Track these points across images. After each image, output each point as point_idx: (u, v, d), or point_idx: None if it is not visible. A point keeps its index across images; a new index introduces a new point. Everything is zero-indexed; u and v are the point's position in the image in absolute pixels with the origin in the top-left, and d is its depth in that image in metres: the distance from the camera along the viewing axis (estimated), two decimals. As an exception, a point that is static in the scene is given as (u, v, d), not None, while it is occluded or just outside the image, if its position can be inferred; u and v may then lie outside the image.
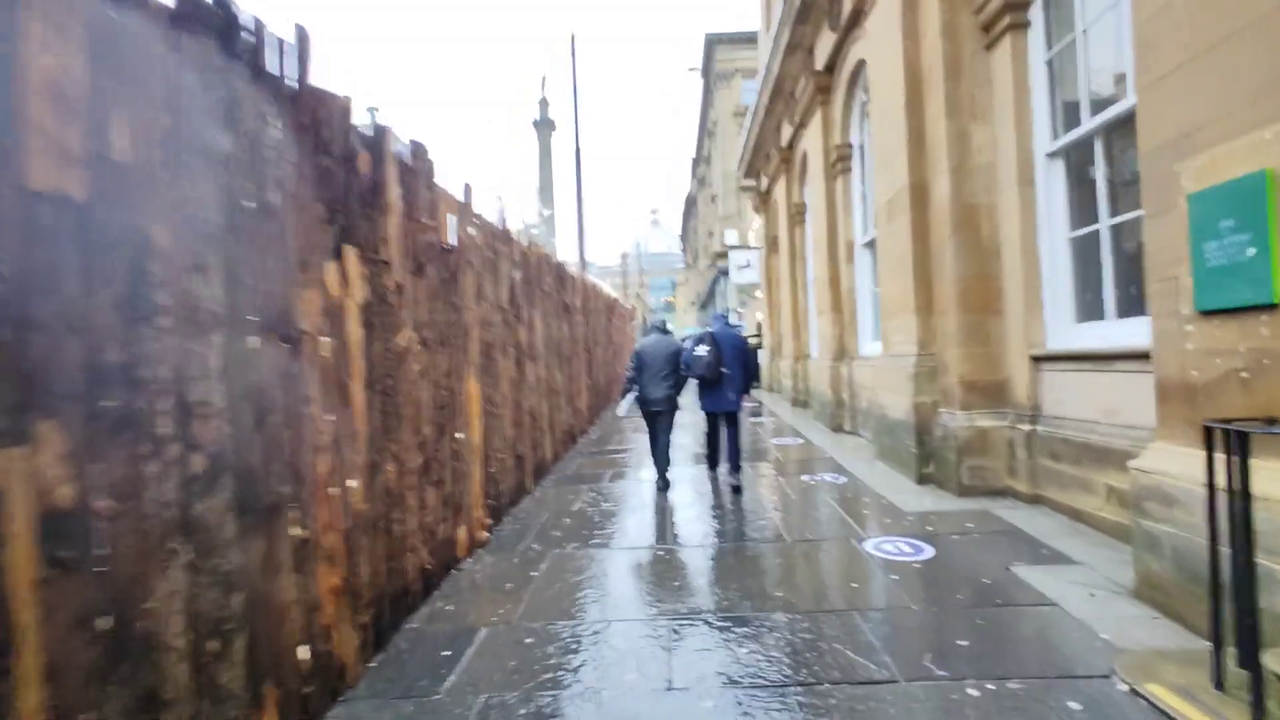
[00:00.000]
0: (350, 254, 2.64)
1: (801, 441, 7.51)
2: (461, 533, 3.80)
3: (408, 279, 3.21)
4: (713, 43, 31.73)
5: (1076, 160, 4.34)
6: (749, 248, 15.45)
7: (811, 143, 8.88)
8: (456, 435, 3.83)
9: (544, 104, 78.17)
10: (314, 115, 2.44)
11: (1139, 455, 2.89)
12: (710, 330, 5.85)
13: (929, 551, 3.54)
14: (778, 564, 3.49)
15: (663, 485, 5.52)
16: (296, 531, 2.19)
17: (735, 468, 5.58)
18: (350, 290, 2.64)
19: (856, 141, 7.80)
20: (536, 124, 78.56)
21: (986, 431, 4.63)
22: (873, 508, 4.52)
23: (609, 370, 13.14)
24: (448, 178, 4.16)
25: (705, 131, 39.67)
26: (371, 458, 2.74)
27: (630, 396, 5.80)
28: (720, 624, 2.77)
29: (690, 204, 57.45)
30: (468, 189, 4.16)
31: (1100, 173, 3.93)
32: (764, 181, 13.73)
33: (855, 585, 3.14)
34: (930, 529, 3.94)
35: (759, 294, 32.22)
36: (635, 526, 4.35)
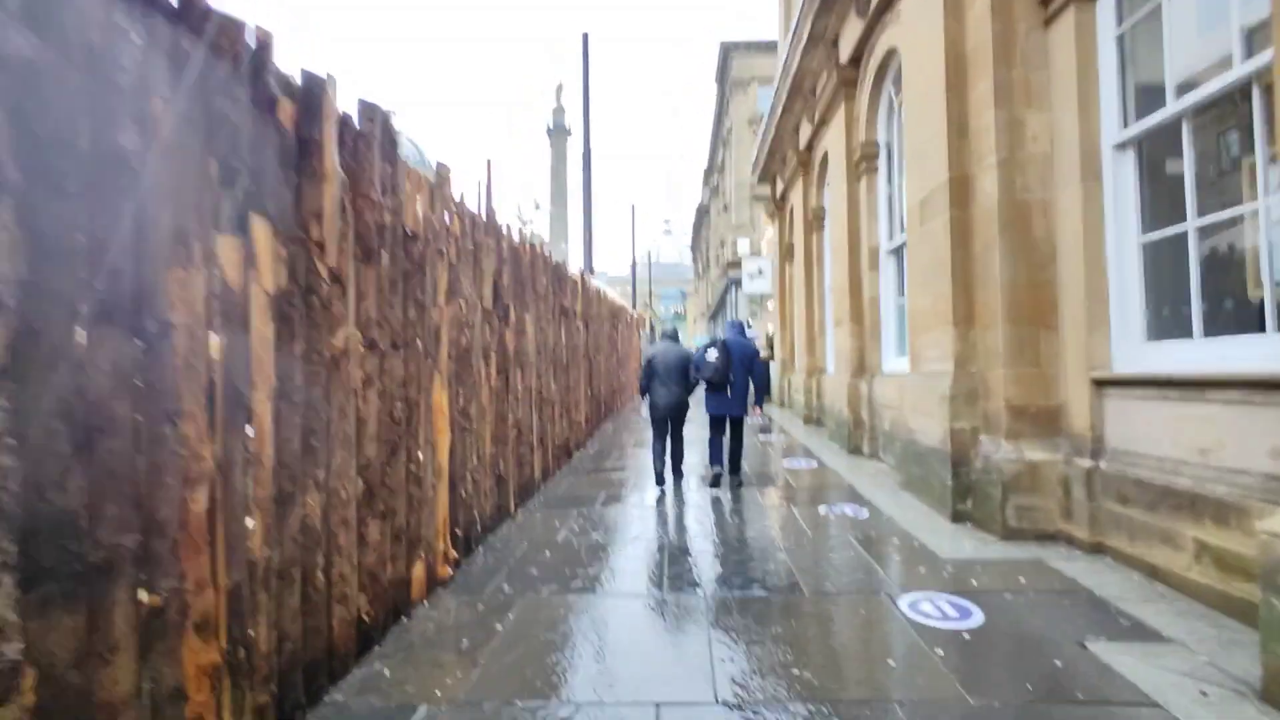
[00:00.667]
0: (260, 228, 2.07)
1: (815, 465, 6.86)
2: (418, 570, 3.20)
3: (350, 266, 2.63)
4: (729, 50, 31.31)
5: (1151, 151, 3.72)
6: (761, 256, 14.84)
7: (833, 142, 8.29)
8: (418, 455, 3.24)
9: (559, 111, 78.16)
10: (212, 43, 1.87)
11: (1269, 514, 2.25)
12: (723, 338, 6.16)
13: (977, 616, 2.90)
14: (794, 628, 2.86)
15: (661, 483, 5.92)
16: (144, 597, 1.60)
17: (735, 469, 6.13)
18: (258, 275, 2.06)
19: (883, 140, 7.21)
20: (550, 131, 78.54)
21: (1037, 466, 3.98)
22: (903, 551, 3.88)
23: (612, 380, 12.55)
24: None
25: (719, 140, 39.22)
26: (281, 488, 2.15)
27: (646, 399, 6.19)
28: (726, 718, 2.15)
29: (702, 214, 56.98)
30: (442, 168, 3.60)
31: (1187, 164, 3.31)
32: (779, 186, 13.15)
33: (892, 663, 2.51)
34: (975, 583, 3.30)
35: (771, 305, 31.57)
36: (626, 565, 3.73)
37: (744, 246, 30.23)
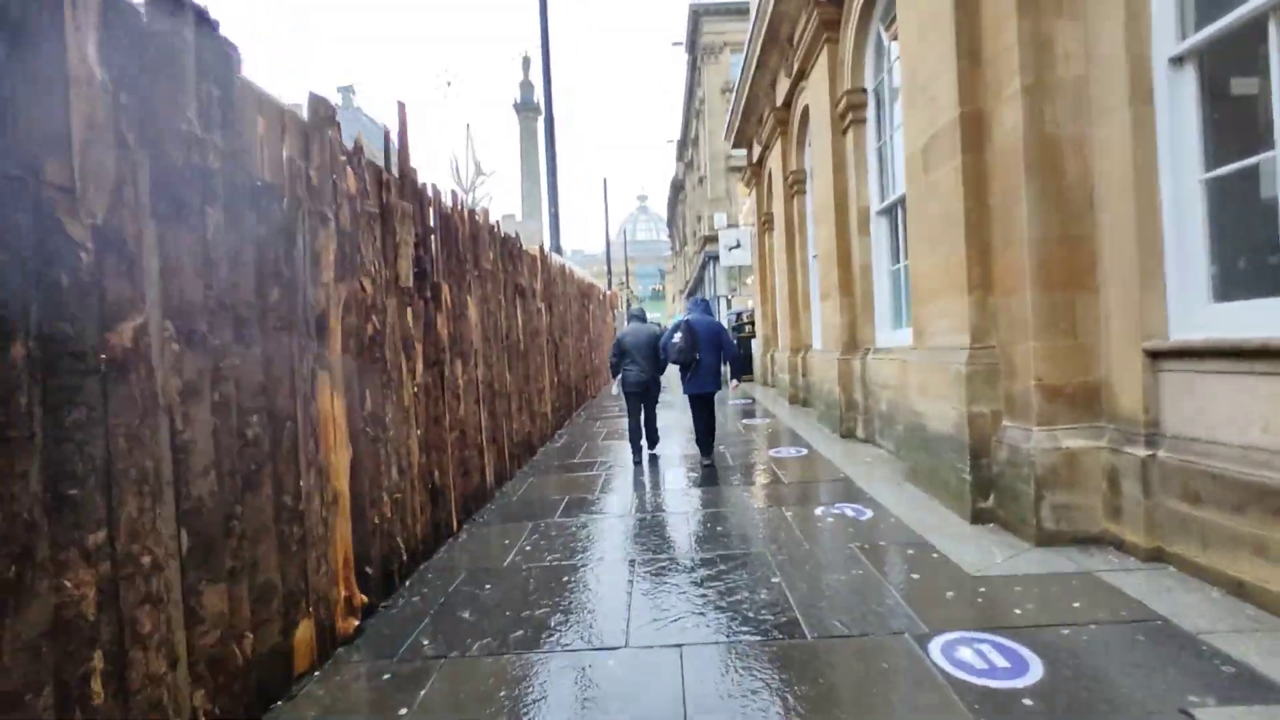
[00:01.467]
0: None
1: (804, 452, 6.18)
2: (303, 633, 2.43)
3: (147, 227, 1.81)
4: (699, 14, 30.13)
5: (1216, 65, 3.00)
6: (739, 227, 14.05)
7: (815, 95, 7.49)
8: (296, 483, 2.45)
9: (527, 86, 75.88)
10: None
11: None
12: (687, 319, 6.07)
13: (1035, 667, 2.22)
14: (799, 693, 2.15)
15: (638, 460, 6.23)
16: None
17: (708, 448, 6.01)
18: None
19: (871, 86, 6.43)
20: (518, 107, 76.36)
21: (1076, 456, 3.31)
22: (920, 565, 3.20)
23: (584, 365, 11.76)
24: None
25: (692, 111, 38.08)
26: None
27: (617, 380, 6.37)
28: None
29: (677, 188, 55.84)
30: (317, 99, 2.75)
31: (1275, 74, 2.59)
32: (755, 151, 12.33)
33: (938, 757, 1.81)
34: (1019, 613, 2.62)
35: (750, 280, 30.88)
36: (585, 603, 3.00)
37: (720, 220, 29.41)
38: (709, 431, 5.98)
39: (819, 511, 4.23)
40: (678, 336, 5.86)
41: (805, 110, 8.43)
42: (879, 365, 6.04)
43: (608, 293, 17.24)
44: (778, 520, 4.09)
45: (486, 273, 5.44)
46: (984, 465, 3.74)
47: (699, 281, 37.56)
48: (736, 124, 12.56)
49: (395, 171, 3.58)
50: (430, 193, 4.12)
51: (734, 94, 12.35)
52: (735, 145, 13.44)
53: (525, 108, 75.82)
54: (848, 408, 6.72)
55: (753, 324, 14.61)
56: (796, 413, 8.89)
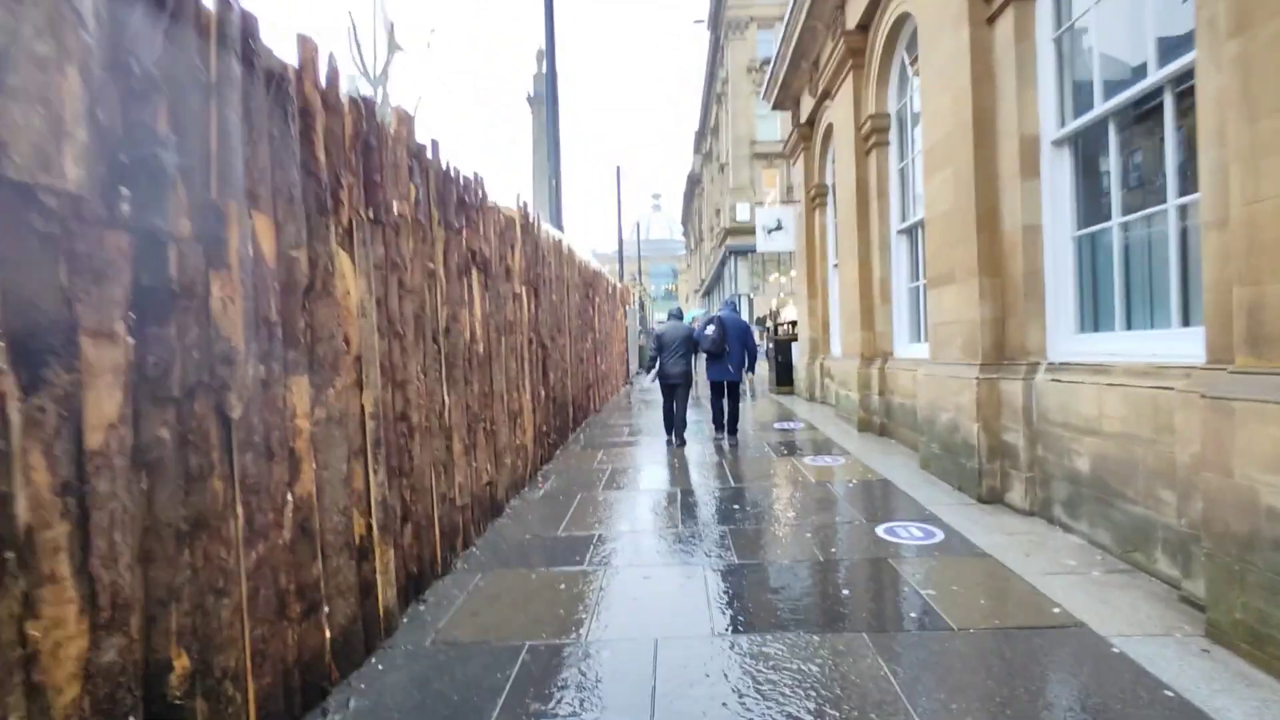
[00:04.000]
0: None
1: (938, 538, 3.71)
2: None
3: None
4: (724, -16, 27.63)
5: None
6: (778, 206, 11.59)
7: (926, -15, 5.04)
8: None
9: (540, 78, 73.69)
10: None
11: None
12: (719, 314, 7.14)
13: None
14: None
15: (679, 443, 6.87)
16: None
17: (732, 430, 7.22)
18: None
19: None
20: (531, 99, 74.20)
21: None
22: None
23: (586, 372, 9.34)
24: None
25: (712, 96, 35.63)
26: None
27: (653, 371, 7.23)
28: None
29: (693, 183, 53.39)
30: None
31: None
32: (805, 108, 9.87)
33: None
34: None
35: (776, 277, 28.25)
36: None
37: (744, 211, 26.95)
38: (734, 414, 7.19)
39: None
40: (710, 329, 6.87)
41: (898, 21, 5.98)
42: (1068, 395, 3.56)
43: (618, 285, 14.83)
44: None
45: (398, 222, 3.06)
46: None
47: (717, 279, 35.05)
48: (781, 76, 10.09)
49: None
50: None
51: (779, 40, 9.90)
52: (776, 105, 10.98)
53: (539, 100, 73.67)
54: (990, 455, 4.25)
55: (773, 325, 12.13)
56: (873, 446, 6.43)
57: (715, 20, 29.82)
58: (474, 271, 4.24)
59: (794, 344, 11.38)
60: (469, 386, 4.01)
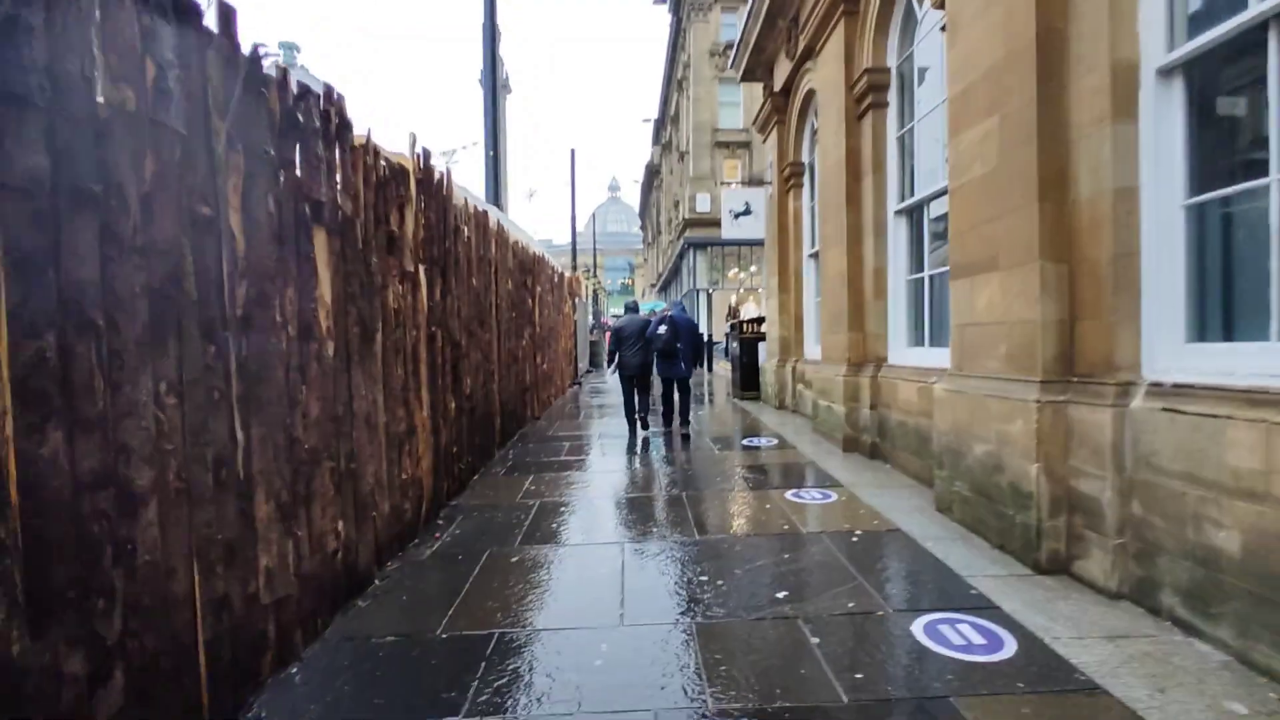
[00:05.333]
0: None
1: (1011, 649, 2.49)
2: None
3: None
4: (687, -38, 26.36)
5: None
6: (746, 188, 10.33)
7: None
8: None
9: (497, 61, 70.78)
10: None
11: None
12: (670, 314, 7.26)
13: None
14: None
15: (637, 429, 7.40)
16: None
17: (685, 420, 7.56)
18: None
19: None
20: (483, 82, 71.35)
21: None
22: None
23: (522, 372, 7.92)
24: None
25: (673, 83, 34.35)
26: None
27: (613, 364, 7.44)
28: None
29: (651, 174, 52.06)
30: None
31: None
32: (780, 74, 8.64)
33: None
34: None
35: (736, 272, 27.20)
36: None
37: (704, 202, 25.81)
38: (685, 406, 7.57)
39: None
40: (663, 329, 7.11)
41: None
42: (1199, 433, 2.38)
43: (566, 275, 13.38)
44: None
45: (104, 110, 1.62)
46: None
47: (675, 272, 33.89)
48: (752, 39, 8.83)
49: None
50: None
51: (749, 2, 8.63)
52: (746, 75, 9.71)
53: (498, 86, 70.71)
54: (1054, 510, 3.07)
55: (755, 323, 10.97)
56: (866, 473, 5.24)
57: (677, 1, 28.51)
58: (317, 233, 2.81)
59: (761, 344, 10.20)
60: (298, 409, 2.58)
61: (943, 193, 4.78)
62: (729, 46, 25.87)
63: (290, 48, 45.40)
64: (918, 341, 5.46)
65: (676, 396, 7.52)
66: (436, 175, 4.51)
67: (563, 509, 4.43)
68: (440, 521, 4.23)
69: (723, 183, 12.75)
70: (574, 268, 21.90)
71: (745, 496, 4.60)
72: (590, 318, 22.28)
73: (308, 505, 2.65)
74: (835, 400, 6.22)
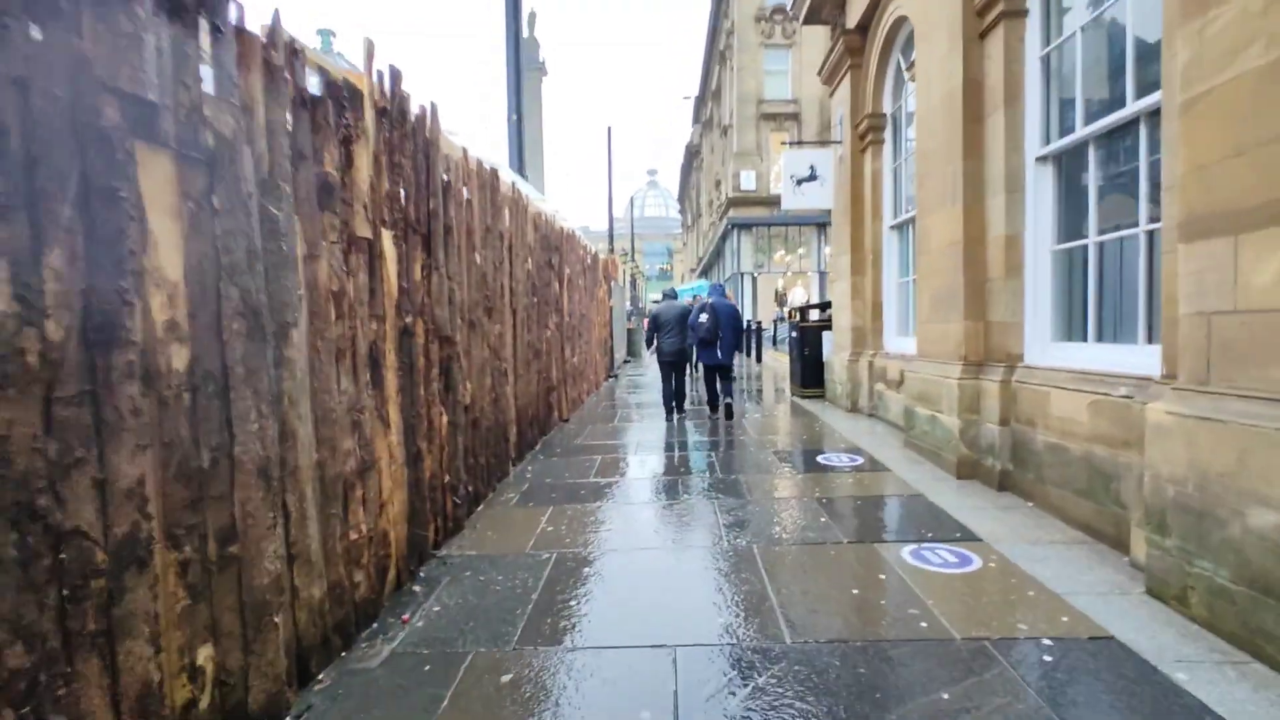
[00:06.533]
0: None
1: None
2: None
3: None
4: (732, -82, 24.55)
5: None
6: (821, 143, 8.80)
7: None
8: None
9: (532, 43, 69.75)
10: None
11: None
12: (711, 301, 7.33)
13: None
14: None
15: (672, 413, 7.52)
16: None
17: (729, 409, 7.36)
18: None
19: None
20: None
21: None
22: None
23: (547, 369, 6.74)
24: None
25: (714, 55, 32.53)
26: None
27: (652, 347, 7.54)
28: None
29: (691, 155, 50.23)
30: None
31: None
32: (855, 5, 7.12)
33: None
34: None
35: (783, 255, 25.45)
36: None
37: (749, 180, 24.17)
38: (727, 393, 7.37)
39: None
40: (704, 316, 7.15)
41: None
42: None
43: (602, 256, 12.12)
44: None
45: None
46: None
47: (717, 256, 32.29)
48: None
49: None
50: None
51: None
52: (809, 17, 8.19)
53: (529, 67, 69.74)
54: None
55: (818, 308, 9.50)
56: (1001, 513, 3.85)
57: (720, -35, 26.71)
58: (149, 160, 1.60)
59: (826, 333, 8.75)
60: (77, 476, 1.39)
61: (1138, 119, 3.32)
62: (776, 10, 24.01)
63: (327, 34, 45.37)
64: (1072, 334, 4.01)
65: (719, 384, 7.52)
66: (414, 110, 3.27)
67: (585, 570, 3.19)
68: (418, 588, 3.05)
69: (784, 144, 11.24)
70: (610, 250, 20.65)
71: (842, 557, 3.27)
72: (628, 304, 21.03)
73: (110, 642, 1.46)
74: (942, 409, 4.81)
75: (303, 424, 2.21)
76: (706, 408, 7.84)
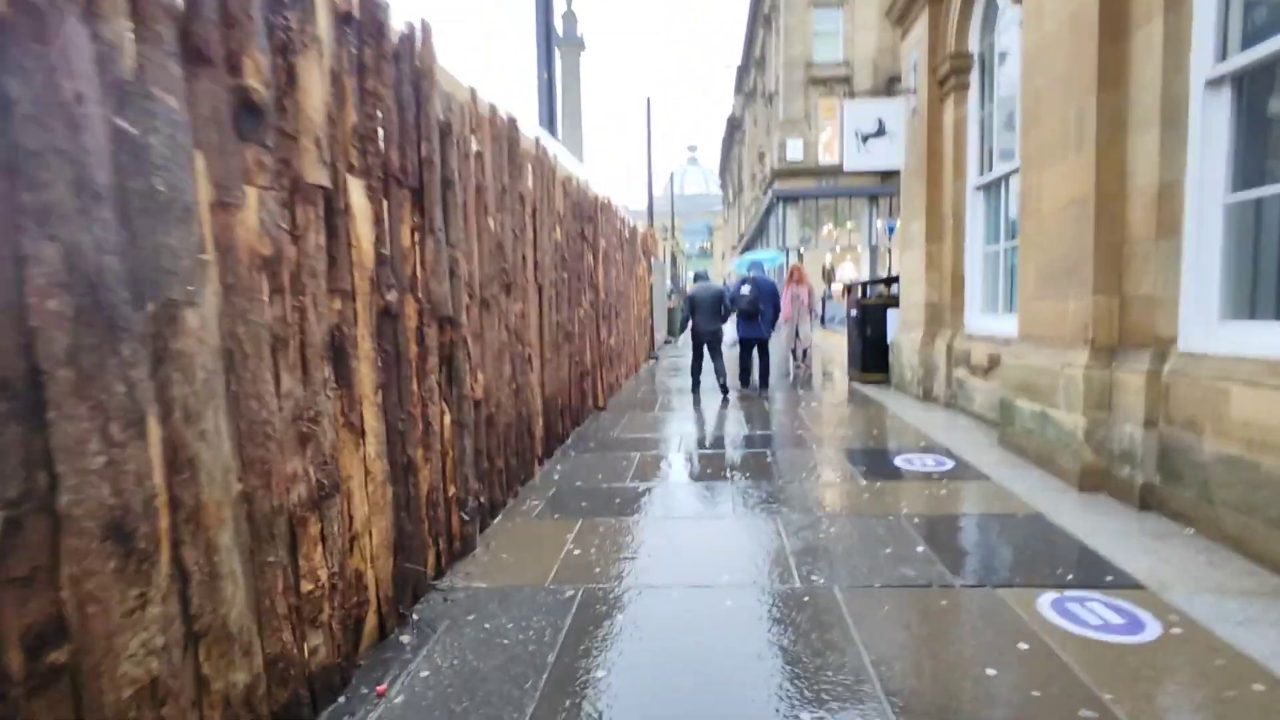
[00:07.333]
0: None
1: None
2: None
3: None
4: None
5: None
6: (889, 94, 7.75)
7: None
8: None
9: (569, 17, 68.38)
10: None
11: None
12: (752, 276, 7.81)
13: None
14: None
15: (696, 390, 7.67)
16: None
17: (764, 385, 7.78)
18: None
19: None
20: (560, 41, 69.25)
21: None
22: None
23: (581, 353, 6.04)
24: None
25: (758, 19, 30.89)
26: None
27: (687, 329, 7.86)
28: None
29: (733, 127, 48.50)
30: None
31: None
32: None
33: None
34: None
35: (830, 229, 24.09)
36: None
37: (795, 150, 22.86)
38: (764, 369, 7.78)
39: None
40: (745, 289, 7.48)
41: None
42: None
43: (640, 230, 11.31)
44: None
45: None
46: None
47: (760, 231, 31.00)
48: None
49: None
50: None
51: None
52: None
53: (567, 41, 68.50)
54: None
55: (887, 282, 8.53)
56: (1162, 553, 2.99)
57: (766, -81, 25.10)
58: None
59: (891, 311, 7.79)
60: None
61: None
62: (827, -36, 22.35)
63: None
64: (1256, 310, 3.06)
65: (756, 359, 7.80)
66: (394, 25, 2.54)
67: (618, 617, 2.48)
68: (407, 637, 2.39)
69: (847, 95, 10.15)
70: (650, 224, 19.79)
71: (958, 610, 2.47)
72: (669, 281, 20.20)
73: None
74: (1058, 404, 3.90)
75: (208, 445, 1.54)
76: (742, 387, 7.91)
